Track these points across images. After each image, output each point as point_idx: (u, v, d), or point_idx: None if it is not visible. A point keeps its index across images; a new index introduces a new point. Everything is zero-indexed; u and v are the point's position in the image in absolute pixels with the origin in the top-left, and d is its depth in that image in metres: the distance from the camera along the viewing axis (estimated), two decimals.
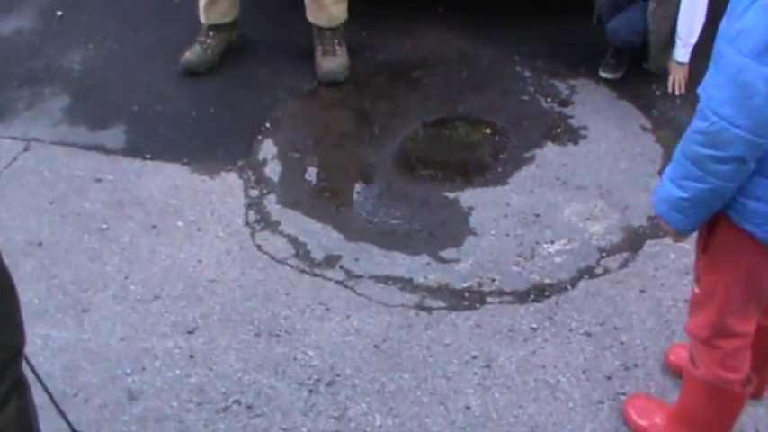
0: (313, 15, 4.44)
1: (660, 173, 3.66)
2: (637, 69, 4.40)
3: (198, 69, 4.52)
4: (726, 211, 2.27)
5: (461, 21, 4.82)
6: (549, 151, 4.01)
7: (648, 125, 4.12)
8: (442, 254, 3.54)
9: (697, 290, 2.53)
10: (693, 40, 4.11)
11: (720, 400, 2.61)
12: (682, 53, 4.16)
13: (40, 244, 3.64)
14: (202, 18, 4.52)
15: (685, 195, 2.20)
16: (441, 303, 3.35)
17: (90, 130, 4.22)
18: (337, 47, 4.46)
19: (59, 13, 5.12)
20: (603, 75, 4.43)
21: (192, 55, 4.52)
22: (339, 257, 3.54)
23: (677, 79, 4.22)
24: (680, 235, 2.36)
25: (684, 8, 4.06)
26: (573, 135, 4.10)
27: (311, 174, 3.94)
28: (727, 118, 2.02)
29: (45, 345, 3.22)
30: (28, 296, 3.36)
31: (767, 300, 2.46)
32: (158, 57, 4.65)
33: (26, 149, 4.12)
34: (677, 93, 4.23)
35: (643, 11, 4.16)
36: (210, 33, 4.53)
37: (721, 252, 2.37)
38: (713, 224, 2.33)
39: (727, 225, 2.29)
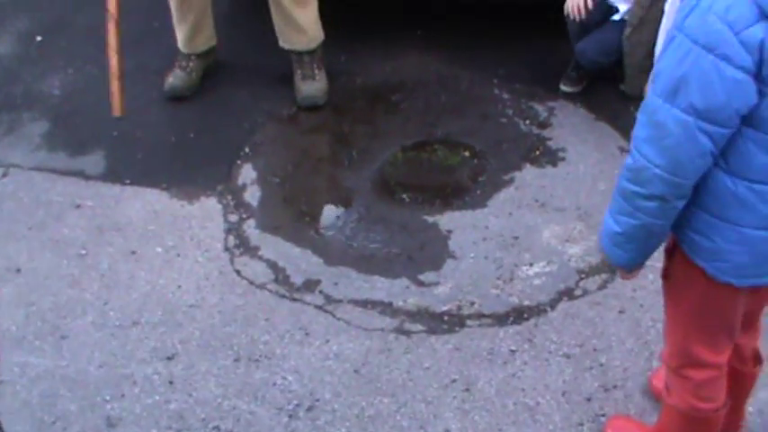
0: (290, 41, 4.43)
1: None
2: (614, 90, 4.42)
3: (183, 93, 4.52)
4: (679, 244, 2.28)
5: (440, 43, 4.84)
6: (528, 173, 4.03)
7: (627, 146, 4.13)
8: (421, 277, 3.55)
9: (665, 316, 2.54)
10: None
11: (695, 426, 2.61)
12: None
13: (19, 270, 3.63)
14: (185, 49, 4.53)
15: (619, 230, 2.21)
16: (420, 327, 3.35)
17: (69, 156, 4.22)
18: (316, 71, 4.47)
19: (39, 38, 5.11)
20: (563, 88, 4.48)
21: (176, 79, 4.52)
22: (318, 282, 3.54)
23: None
24: (622, 269, 2.37)
25: (663, 32, 4.07)
26: (551, 157, 4.11)
27: (290, 198, 3.94)
28: (647, 157, 2.06)
29: (23, 372, 3.21)
30: (5, 323, 3.36)
31: (737, 332, 2.46)
32: (138, 82, 4.63)
33: (5, 175, 4.11)
34: None
35: (613, 32, 4.19)
36: (192, 58, 4.54)
37: (679, 282, 2.38)
38: (672, 251, 2.35)
39: (682, 256, 2.29)
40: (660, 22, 4.05)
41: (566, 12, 4.27)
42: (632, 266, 2.33)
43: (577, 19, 4.21)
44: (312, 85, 4.43)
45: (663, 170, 2.04)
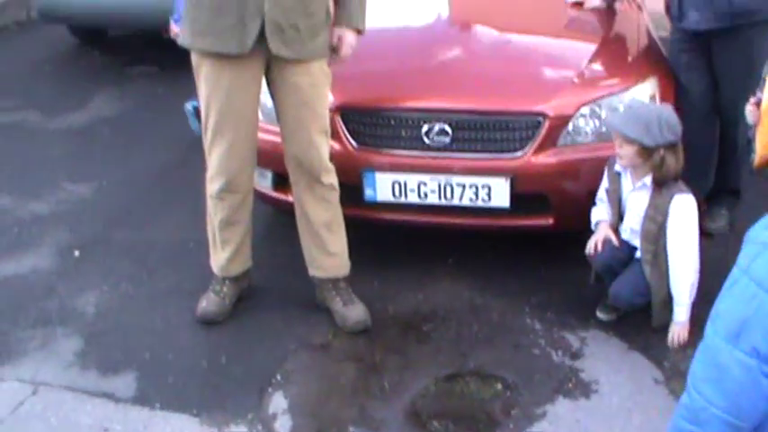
0: (323, 268, 4.49)
1: None
2: (646, 320, 4.39)
3: (216, 319, 4.53)
4: None
5: (472, 271, 4.88)
6: (561, 407, 3.97)
7: (660, 377, 4.09)
8: None
9: None
10: (686, 300, 4.15)
11: None
12: (677, 312, 4.21)
13: None
14: (220, 273, 4.56)
15: None
16: None
17: (100, 376, 4.20)
18: (352, 294, 4.51)
19: (77, 254, 5.21)
20: (600, 316, 4.50)
21: (210, 305, 4.54)
22: None
23: (676, 338, 4.24)
24: None
25: (672, 271, 4.14)
26: (585, 389, 4.07)
27: (321, 429, 3.87)
28: (706, 396, 2.05)
29: None
30: None
31: None
32: (172, 302, 4.70)
33: (34, 393, 4.08)
34: (677, 347, 4.24)
35: (641, 271, 4.24)
36: (226, 282, 4.58)
37: None
38: None
39: None
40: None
41: (587, 252, 4.33)
42: None
43: (595, 257, 4.31)
44: (357, 309, 4.46)
45: (723, 411, 2.02)
